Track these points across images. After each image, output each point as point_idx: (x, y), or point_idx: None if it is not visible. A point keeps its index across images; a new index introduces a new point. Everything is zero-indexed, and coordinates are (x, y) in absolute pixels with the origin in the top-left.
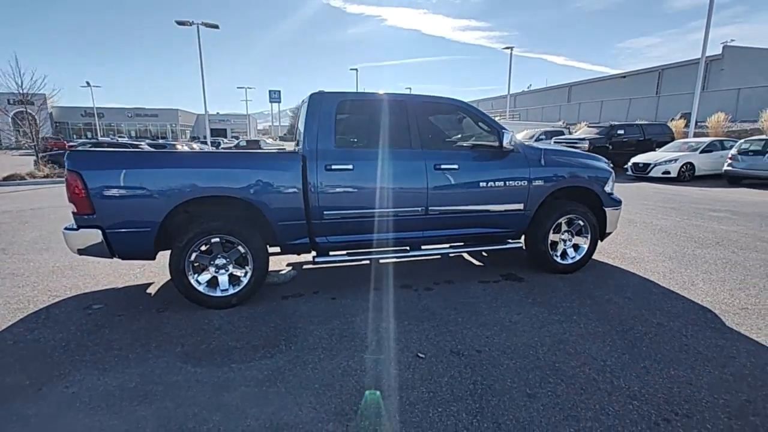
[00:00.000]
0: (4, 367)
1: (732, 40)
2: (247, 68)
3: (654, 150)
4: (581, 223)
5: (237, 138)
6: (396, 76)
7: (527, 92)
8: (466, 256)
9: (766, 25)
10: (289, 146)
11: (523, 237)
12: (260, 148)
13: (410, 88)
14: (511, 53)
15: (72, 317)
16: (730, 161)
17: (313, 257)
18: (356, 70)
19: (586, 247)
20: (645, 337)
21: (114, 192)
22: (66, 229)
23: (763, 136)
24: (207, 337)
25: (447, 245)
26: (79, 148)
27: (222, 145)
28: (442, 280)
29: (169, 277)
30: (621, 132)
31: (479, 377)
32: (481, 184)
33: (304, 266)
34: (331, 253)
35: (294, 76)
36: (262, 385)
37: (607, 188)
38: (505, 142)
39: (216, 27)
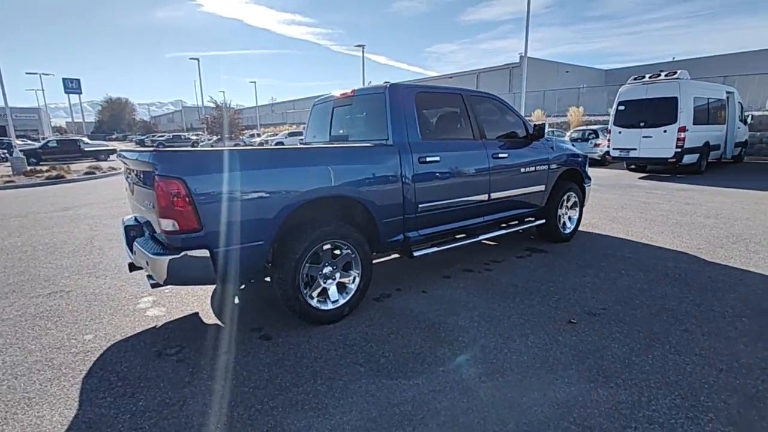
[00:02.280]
0: None
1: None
2: (28, 50)
3: None
4: (575, 198)
5: (27, 138)
6: (216, 67)
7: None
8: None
9: (536, 42)
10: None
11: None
12: (80, 149)
13: (255, 82)
14: (363, 52)
15: (155, 367)
16: None
17: (411, 251)
18: (198, 60)
19: (576, 218)
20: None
21: (222, 201)
22: (156, 254)
23: (585, 127)
24: (369, 351)
25: (496, 229)
26: (170, 148)
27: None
28: (489, 261)
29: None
30: None
31: (627, 325)
32: (522, 169)
33: None
34: (415, 247)
35: (93, 62)
36: (494, 377)
37: (586, 168)
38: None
39: None
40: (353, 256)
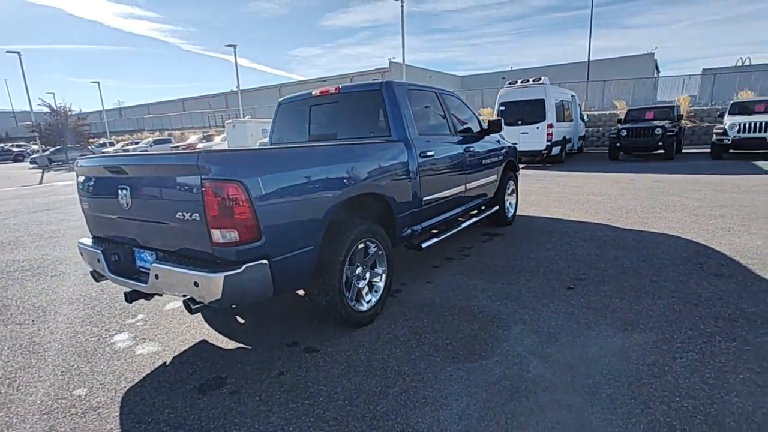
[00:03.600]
0: None
1: (395, 57)
2: None
3: None
4: (513, 186)
5: None
6: (36, 62)
7: (245, 91)
8: None
9: (393, 49)
10: None
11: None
12: None
13: (98, 83)
14: (235, 52)
15: (210, 404)
16: None
17: (420, 244)
18: (18, 53)
19: (515, 203)
20: (568, 240)
21: (278, 205)
22: (208, 271)
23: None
24: (429, 342)
25: (468, 218)
26: (220, 148)
27: None
28: (462, 248)
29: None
30: None
31: (610, 284)
32: (484, 161)
33: None
34: (418, 240)
35: None
36: (552, 342)
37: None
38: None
39: None
40: (380, 253)
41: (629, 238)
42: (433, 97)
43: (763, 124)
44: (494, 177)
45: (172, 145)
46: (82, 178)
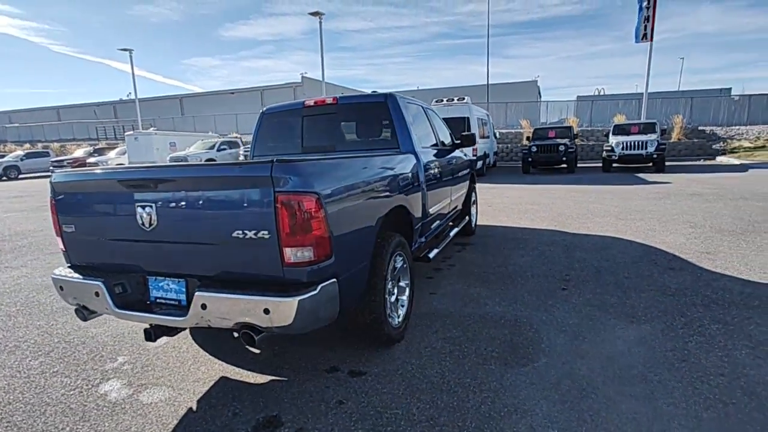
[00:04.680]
0: None
1: (306, 72)
2: None
3: None
4: (474, 196)
5: None
6: None
7: (142, 101)
8: None
9: (298, 65)
10: None
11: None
12: None
13: None
14: (131, 57)
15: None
16: None
17: (427, 255)
18: None
19: (476, 212)
20: (523, 246)
21: (344, 218)
22: (286, 296)
23: None
24: (473, 351)
25: (451, 228)
26: (287, 157)
27: None
28: (443, 258)
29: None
30: None
31: (594, 282)
32: (461, 173)
33: None
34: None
35: None
36: (580, 339)
37: None
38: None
39: None
40: (405, 266)
41: (584, 241)
42: (421, 111)
43: (640, 143)
44: (465, 188)
45: (53, 159)
46: (66, 196)
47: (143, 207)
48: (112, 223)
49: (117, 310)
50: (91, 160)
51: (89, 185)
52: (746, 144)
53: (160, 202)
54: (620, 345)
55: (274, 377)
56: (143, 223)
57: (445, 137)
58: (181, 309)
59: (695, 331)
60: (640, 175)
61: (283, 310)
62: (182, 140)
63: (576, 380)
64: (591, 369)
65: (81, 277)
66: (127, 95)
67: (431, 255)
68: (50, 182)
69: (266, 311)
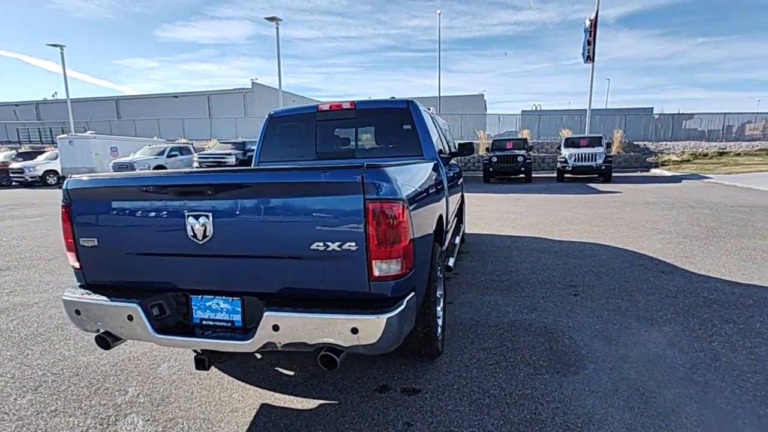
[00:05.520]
0: None
1: (257, 78)
2: None
3: None
4: (463, 204)
5: None
6: None
7: (57, 101)
8: None
9: (242, 70)
10: None
11: None
12: None
13: None
14: (62, 54)
15: None
16: None
17: (447, 264)
18: None
19: (466, 220)
20: (511, 256)
21: (418, 227)
22: (375, 313)
23: None
24: (519, 360)
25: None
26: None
27: None
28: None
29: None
30: (254, 147)
31: (598, 286)
32: (460, 181)
33: None
34: None
35: None
36: (613, 344)
37: None
38: None
39: None
40: (440, 276)
41: (571, 247)
42: (430, 118)
43: (590, 155)
44: (461, 196)
45: None
46: (87, 204)
47: (196, 217)
48: (152, 236)
49: (157, 335)
50: (15, 165)
51: (119, 192)
52: (674, 158)
53: (218, 212)
54: (653, 347)
55: (322, 401)
56: (195, 235)
57: (447, 144)
58: (234, 331)
59: (713, 331)
60: (591, 184)
61: (372, 329)
62: (125, 145)
63: (631, 385)
64: (639, 373)
65: (107, 299)
66: (53, 95)
67: (450, 263)
68: (65, 189)
69: (354, 330)
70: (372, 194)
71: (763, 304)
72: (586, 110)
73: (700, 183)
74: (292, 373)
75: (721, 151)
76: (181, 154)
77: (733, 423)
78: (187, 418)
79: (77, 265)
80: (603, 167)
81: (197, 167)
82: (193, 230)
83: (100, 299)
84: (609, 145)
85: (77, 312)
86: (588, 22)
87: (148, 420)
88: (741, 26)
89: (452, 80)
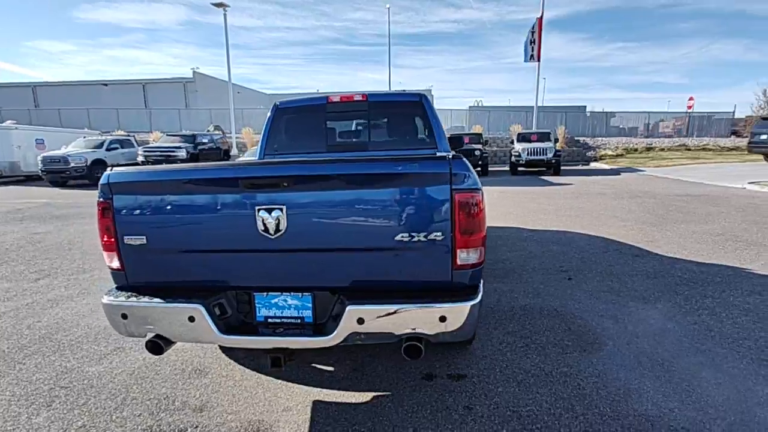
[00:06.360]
0: None
1: (198, 67)
2: None
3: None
4: None
5: None
6: None
7: None
8: None
9: (174, 57)
10: None
11: None
12: None
13: None
14: None
15: None
16: None
17: None
18: None
19: None
20: (508, 243)
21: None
22: (460, 301)
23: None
24: (549, 341)
25: None
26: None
27: None
28: None
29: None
30: (205, 141)
31: (586, 271)
32: None
33: None
34: None
35: None
36: (628, 326)
37: None
38: None
39: None
40: None
41: (549, 236)
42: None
43: (542, 149)
44: None
45: None
46: (134, 200)
47: (269, 211)
48: (214, 232)
49: (223, 336)
50: None
51: (174, 186)
52: (609, 152)
53: (294, 205)
54: (654, 323)
55: (375, 393)
56: (266, 230)
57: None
58: (305, 327)
59: (698, 305)
60: (544, 177)
61: (459, 316)
62: (52, 137)
63: (650, 357)
64: (652, 345)
65: (162, 300)
66: None
67: None
68: (104, 183)
69: (442, 318)
70: (458, 184)
71: (729, 281)
72: (528, 107)
73: (636, 175)
74: (331, 368)
75: (648, 146)
76: (123, 147)
77: (744, 383)
78: (239, 421)
79: (117, 265)
80: (553, 161)
81: (142, 161)
82: (264, 224)
83: (155, 301)
84: (556, 141)
85: (123, 316)
86: (537, 21)
87: (197, 427)
88: (650, 34)
89: (399, 75)
